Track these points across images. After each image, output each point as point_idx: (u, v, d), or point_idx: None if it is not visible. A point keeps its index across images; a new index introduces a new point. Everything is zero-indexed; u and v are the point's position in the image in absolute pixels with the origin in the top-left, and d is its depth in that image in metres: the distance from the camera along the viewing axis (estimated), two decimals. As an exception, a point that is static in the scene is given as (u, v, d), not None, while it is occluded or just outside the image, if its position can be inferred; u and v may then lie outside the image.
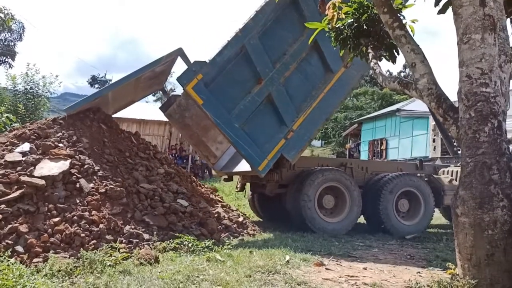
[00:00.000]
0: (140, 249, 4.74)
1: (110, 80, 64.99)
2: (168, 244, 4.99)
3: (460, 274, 3.35)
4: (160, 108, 9.44)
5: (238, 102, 6.98)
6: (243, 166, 8.14)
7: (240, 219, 7.00)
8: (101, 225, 4.89)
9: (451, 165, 9.50)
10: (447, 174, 9.17)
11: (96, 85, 66.34)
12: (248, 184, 9.69)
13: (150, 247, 4.88)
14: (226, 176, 9.76)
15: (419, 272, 4.61)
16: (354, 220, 7.81)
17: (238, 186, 9.71)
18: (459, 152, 8.00)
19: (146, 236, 5.17)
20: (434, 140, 10.03)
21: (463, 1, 3.45)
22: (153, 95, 76.40)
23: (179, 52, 7.49)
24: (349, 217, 7.65)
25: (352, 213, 7.70)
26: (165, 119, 23.99)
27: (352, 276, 4.24)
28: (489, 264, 3.14)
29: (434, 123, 9.44)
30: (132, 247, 4.82)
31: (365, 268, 4.72)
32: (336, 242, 6.34)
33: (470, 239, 3.25)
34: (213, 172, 21.93)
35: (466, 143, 3.40)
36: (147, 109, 24.25)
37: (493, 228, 3.14)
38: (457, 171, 8.76)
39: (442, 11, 4.35)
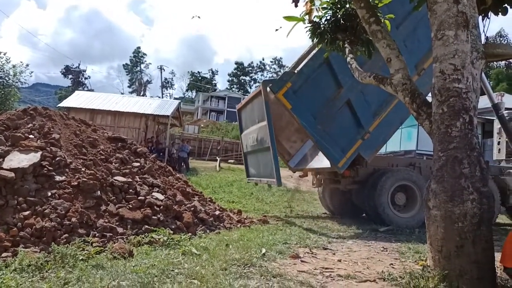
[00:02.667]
0: (114, 243, 4.65)
1: (84, 71, 63.58)
2: (143, 238, 4.92)
3: (431, 265, 3.44)
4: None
5: (321, 107, 7.88)
6: (320, 163, 9.09)
7: (217, 212, 6.98)
8: (73, 219, 4.77)
9: None
10: None
11: (70, 76, 64.65)
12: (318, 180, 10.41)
13: (124, 241, 4.80)
14: (301, 173, 10.60)
15: (392, 264, 4.71)
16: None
17: (315, 182, 10.43)
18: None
19: (120, 230, 5.08)
20: (499, 143, 10.66)
21: (437, -2, 3.50)
22: (129, 87, 75.03)
23: None
24: (420, 213, 8.23)
25: (422, 210, 8.18)
26: (141, 111, 23.58)
27: (326, 268, 4.30)
28: (459, 256, 3.23)
29: (499, 126, 10.03)
30: (106, 241, 4.72)
31: (339, 260, 4.79)
32: (312, 235, 6.41)
33: (441, 231, 3.33)
34: (190, 166, 21.86)
35: (438, 138, 3.47)
36: (122, 100, 23.65)
37: (463, 221, 3.23)
38: None
39: (417, 7, 4.42)
